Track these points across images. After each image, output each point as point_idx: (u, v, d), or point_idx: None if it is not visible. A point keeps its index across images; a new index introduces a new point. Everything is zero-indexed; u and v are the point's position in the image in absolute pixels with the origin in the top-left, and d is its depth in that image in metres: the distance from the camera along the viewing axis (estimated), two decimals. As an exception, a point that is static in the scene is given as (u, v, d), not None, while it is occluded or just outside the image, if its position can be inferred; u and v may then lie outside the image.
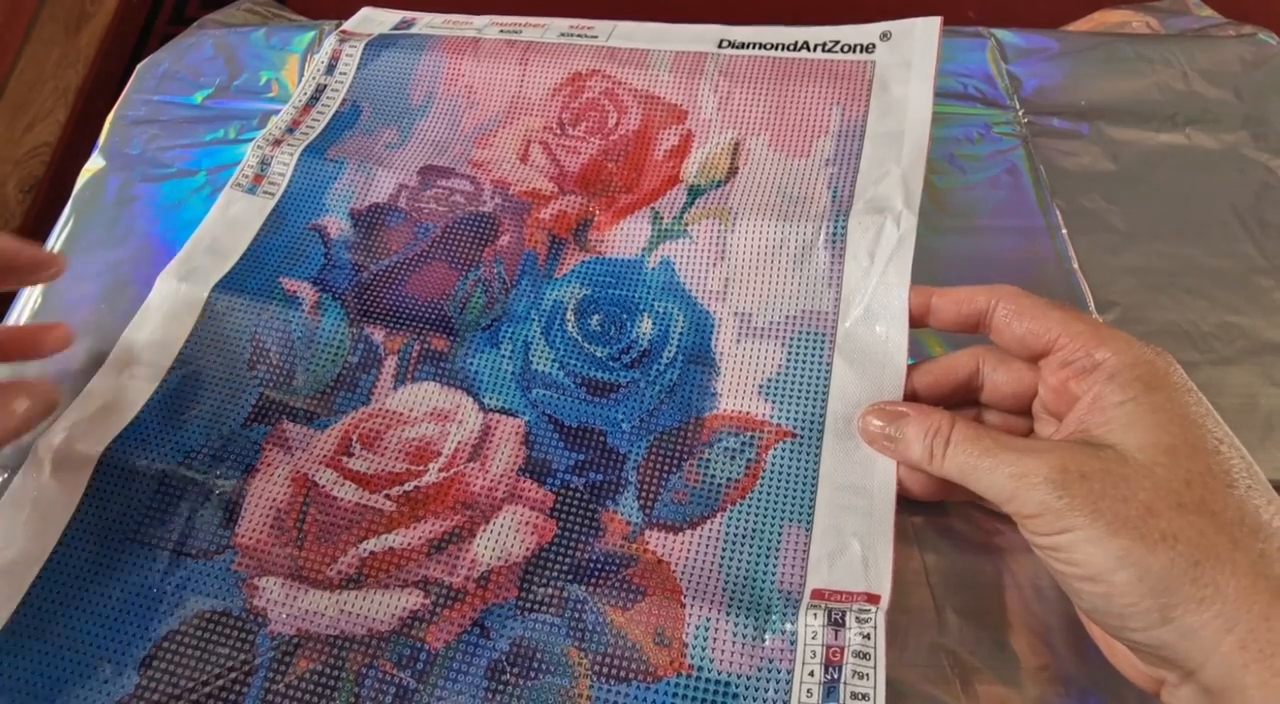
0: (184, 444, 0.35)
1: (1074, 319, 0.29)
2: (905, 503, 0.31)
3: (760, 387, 0.34)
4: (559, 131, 0.44)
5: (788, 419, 0.33)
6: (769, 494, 0.32)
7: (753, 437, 0.33)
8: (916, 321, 0.33)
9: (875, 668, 0.27)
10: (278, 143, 0.44)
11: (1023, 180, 0.44)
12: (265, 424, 0.35)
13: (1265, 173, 0.44)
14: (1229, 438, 0.26)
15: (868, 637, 0.28)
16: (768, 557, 0.31)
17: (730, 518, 0.32)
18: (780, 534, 0.31)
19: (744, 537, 0.31)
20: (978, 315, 0.31)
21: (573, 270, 0.39)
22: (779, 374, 0.34)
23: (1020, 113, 0.47)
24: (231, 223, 0.41)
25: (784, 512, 0.31)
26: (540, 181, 0.42)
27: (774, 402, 0.34)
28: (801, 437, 0.33)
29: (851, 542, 0.30)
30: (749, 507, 0.32)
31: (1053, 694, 0.30)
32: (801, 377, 0.34)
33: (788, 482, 0.32)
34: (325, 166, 0.43)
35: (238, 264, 0.40)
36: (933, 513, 0.34)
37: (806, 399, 0.34)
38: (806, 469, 0.32)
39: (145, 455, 0.34)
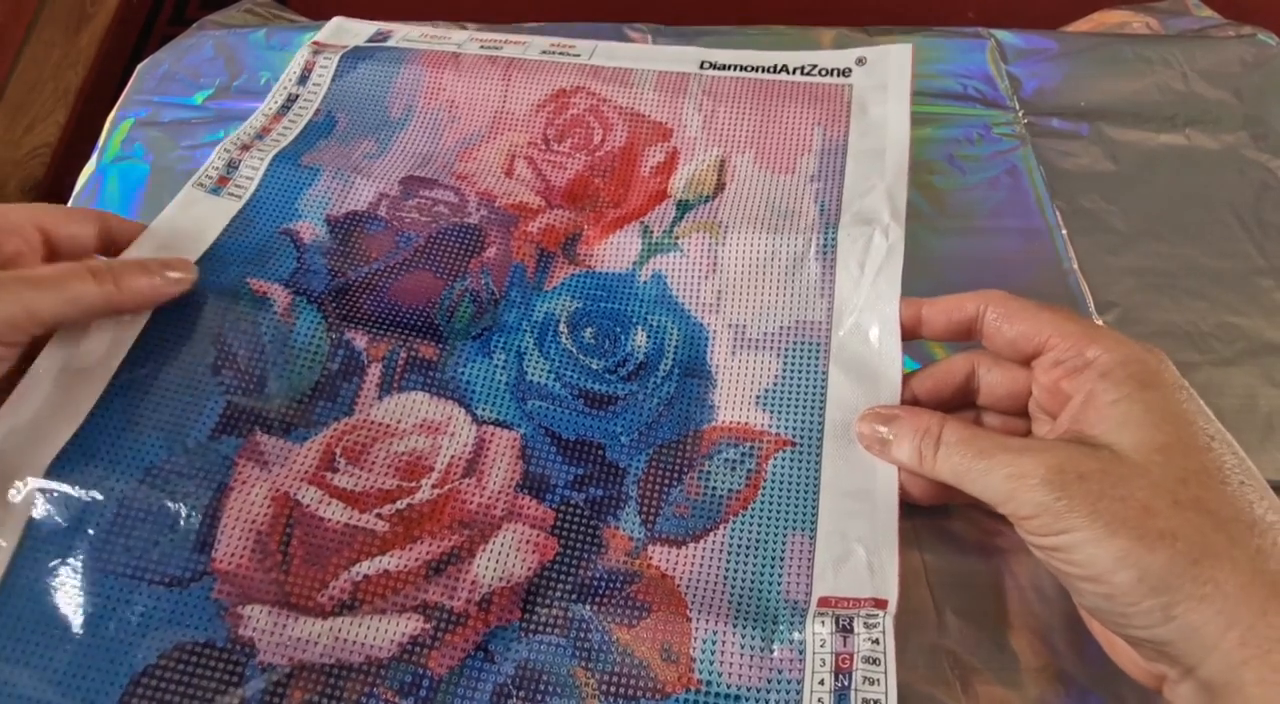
0: (142, 458, 0.32)
1: (1064, 319, 0.29)
2: (906, 505, 0.31)
3: (757, 397, 0.34)
4: (544, 147, 0.43)
5: (786, 428, 0.33)
6: (771, 504, 0.32)
7: (752, 447, 0.33)
8: (909, 334, 0.33)
9: (886, 673, 0.27)
10: (246, 147, 0.42)
11: (1022, 181, 0.44)
12: (236, 435, 0.33)
13: (1265, 173, 0.44)
14: (1220, 434, 0.26)
15: (877, 642, 0.27)
16: (772, 567, 0.30)
17: (733, 529, 0.31)
18: (784, 543, 0.31)
19: (748, 548, 0.31)
20: (968, 322, 0.31)
21: (562, 283, 0.38)
22: (775, 384, 0.34)
23: (1020, 113, 0.47)
24: (191, 222, 0.38)
25: (787, 521, 0.31)
26: (527, 195, 0.41)
27: (772, 411, 0.34)
28: (801, 445, 0.33)
29: (856, 547, 0.30)
30: (751, 517, 0.31)
31: (1052, 694, 0.30)
32: (798, 386, 0.34)
33: (789, 490, 0.32)
34: (298, 173, 0.41)
35: (198, 263, 0.37)
36: (932, 514, 0.34)
37: (804, 408, 0.33)
38: (807, 477, 0.32)
39: (97, 472, 0.31)
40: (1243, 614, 0.23)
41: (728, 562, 0.31)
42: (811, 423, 0.33)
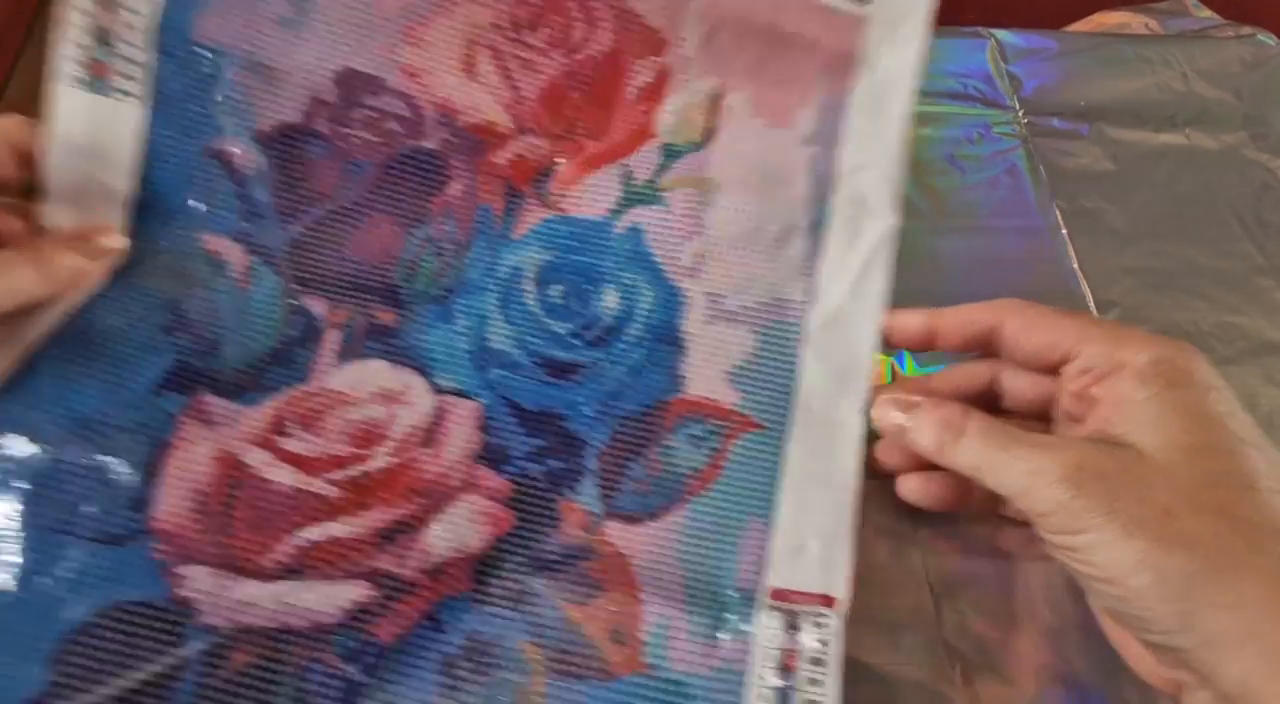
0: (78, 409, 0.30)
1: (1089, 324, 0.28)
2: (893, 504, 0.31)
3: (728, 373, 0.33)
4: (512, 34, 0.36)
5: (754, 409, 0.32)
6: (731, 486, 0.31)
7: (719, 425, 0.32)
8: (922, 345, 0.32)
9: (830, 675, 0.27)
10: (110, 4, 0.32)
11: (1023, 181, 0.44)
12: (181, 393, 0.31)
13: (1265, 173, 0.45)
14: (1254, 436, 0.25)
15: (824, 643, 0.27)
16: (727, 552, 0.30)
17: (691, 510, 0.31)
18: (741, 529, 0.30)
19: (705, 531, 0.30)
20: (984, 335, 0.30)
21: (532, 230, 0.35)
22: (748, 361, 0.33)
23: (1020, 113, 0.47)
24: (93, 141, 0.32)
25: (746, 505, 0.31)
26: (493, 111, 0.36)
27: (742, 390, 0.33)
28: (768, 429, 0.32)
29: (811, 540, 0.30)
30: (711, 499, 0.31)
31: (1053, 691, 0.30)
32: (770, 366, 0.33)
33: (751, 474, 0.31)
34: (197, 60, 0.33)
35: (136, 199, 0.32)
36: (928, 512, 0.34)
37: (774, 390, 0.33)
38: (770, 462, 0.31)
39: (28, 422, 0.30)
40: (1262, 625, 0.22)
41: (683, 543, 0.30)
42: (780, 406, 0.32)
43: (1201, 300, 0.40)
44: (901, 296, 0.39)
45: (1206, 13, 0.54)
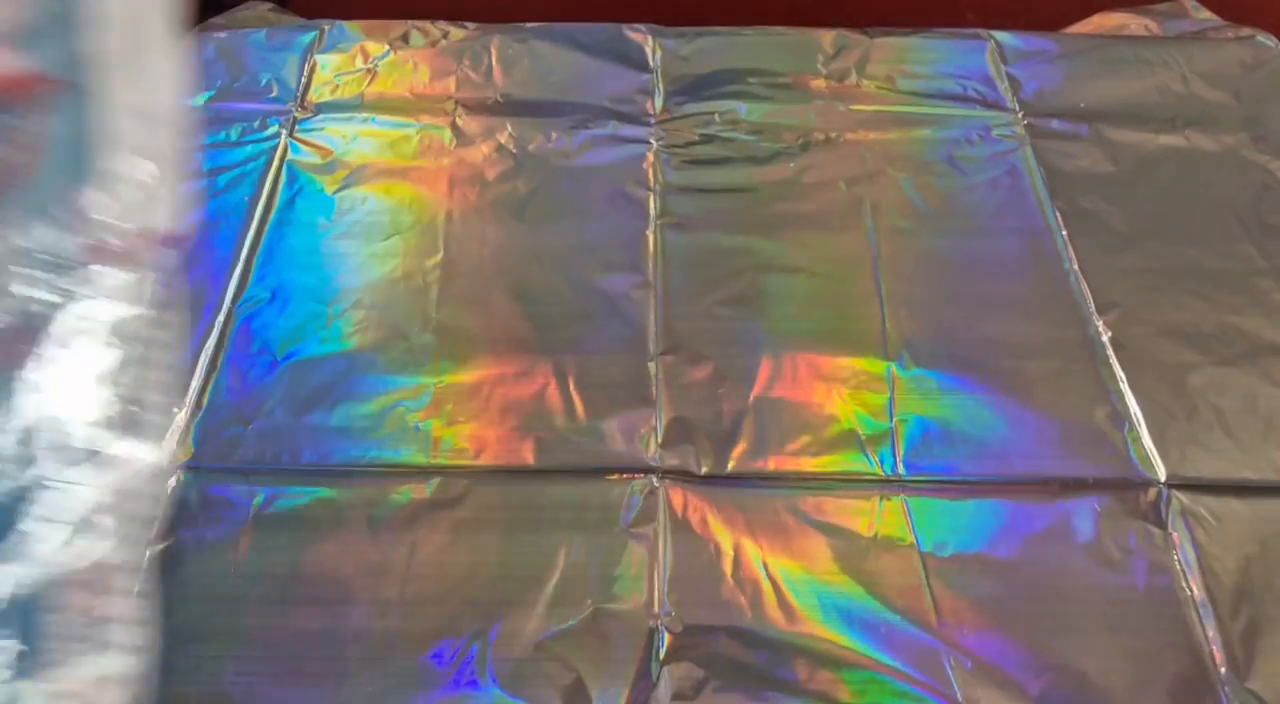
0: None
1: None
2: (893, 505, 0.31)
3: (5, 35, 0.27)
4: None
5: (51, 66, 0.27)
6: (46, 160, 0.27)
7: (11, 101, 0.27)
8: None
9: (172, 305, 0.26)
10: None
11: (1023, 182, 0.44)
12: None
13: (1265, 174, 0.45)
14: None
15: (163, 282, 0.26)
16: (57, 234, 0.26)
17: (5, 207, 0.26)
18: (68, 202, 0.27)
19: (26, 221, 0.26)
20: None
21: None
22: (22, 14, 0.28)
23: (1020, 115, 0.47)
24: None
25: (67, 175, 0.27)
26: None
27: (28, 48, 0.27)
28: (71, 82, 0.27)
29: (146, 181, 0.27)
30: (25, 186, 0.27)
31: (1056, 694, 0.30)
32: (54, 9, 0.28)
33: (65, 138, 0.27)
34: None
35: None
36: (929, 513, 0.34)
37: (68, 36, 0.28)
38: (83, 116, 0.27)
39: None
40: None
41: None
42: (80, 51, 0.28)
43: (1202, 301, 0.40)
44: (902, 296, 0.39)
45: (1205, 14, 0.54)
